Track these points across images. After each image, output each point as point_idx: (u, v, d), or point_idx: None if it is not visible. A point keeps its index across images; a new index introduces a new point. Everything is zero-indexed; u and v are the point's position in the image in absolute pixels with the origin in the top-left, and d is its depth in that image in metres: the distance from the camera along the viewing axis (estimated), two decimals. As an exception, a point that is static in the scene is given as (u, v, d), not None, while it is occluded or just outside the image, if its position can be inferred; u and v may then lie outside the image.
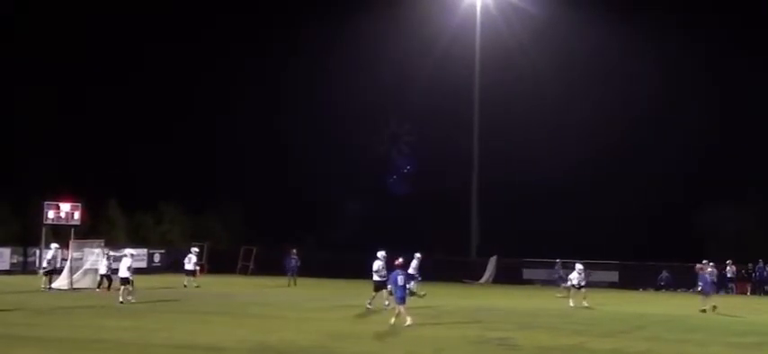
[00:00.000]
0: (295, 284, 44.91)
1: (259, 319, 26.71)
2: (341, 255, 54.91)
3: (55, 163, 56.11)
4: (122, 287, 31.38)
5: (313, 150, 68.74)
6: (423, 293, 36.98)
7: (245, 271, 56.45)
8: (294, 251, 47.26)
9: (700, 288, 34.35)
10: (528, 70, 63.84)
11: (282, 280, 45.81)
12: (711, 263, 39.22)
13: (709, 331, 26.59)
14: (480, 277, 54.92)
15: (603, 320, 29.55)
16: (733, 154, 62.31)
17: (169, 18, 68.65)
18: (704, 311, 32.67)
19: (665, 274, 52.13)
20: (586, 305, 35.09)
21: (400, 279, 24.72)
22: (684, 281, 50.48)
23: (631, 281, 50.83)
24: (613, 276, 52.92)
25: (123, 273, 31.91)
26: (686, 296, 45.46)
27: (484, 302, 36.90)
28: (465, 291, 45.25)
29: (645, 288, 50.45)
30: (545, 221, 61.36)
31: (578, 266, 36.66)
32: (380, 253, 30.67)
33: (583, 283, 36.26)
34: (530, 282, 53.34)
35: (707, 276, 35.01)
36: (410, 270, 39.15)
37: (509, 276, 53.98)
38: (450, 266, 53.50)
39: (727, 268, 50.33)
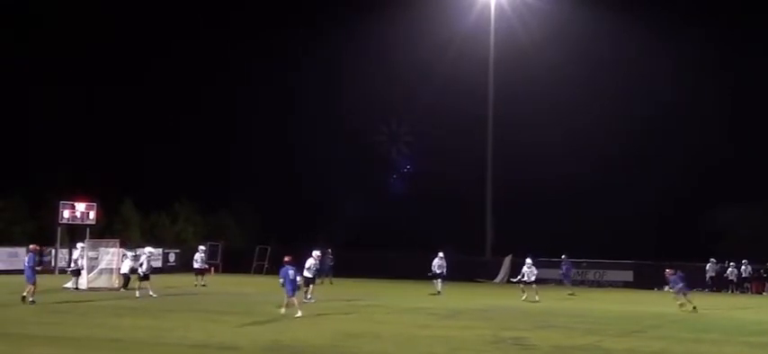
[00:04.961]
0: (331, 283, 45.18)
1: (273, 318, 26.72)
2: (353, 254, 54.91)
3: (70, 163, 56.32)
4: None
5: (328, 150, 68.82)
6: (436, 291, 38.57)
7: (260, 270, 56.47)
8: (329, 250, 47.16)
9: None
10: (542, 69, 63.77)
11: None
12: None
13: (724, 330, 26.45)
14: (495, 276, 54.85)
15: (618, 319, 29.43)
16: (749, 153, 62.03)
17: (184, 18, 69.05)
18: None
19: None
20: (524, 298, 36.45)
21: (291, 274, 27.59)
22: (700, 281, 50.24)
23: (646, 281, 50.63)
24: (628, 275, 52.92)
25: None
26: (700, 296, 45.25)
27: (498, 301, 36.84)
28: (479, 291, 45.15)
29: (660, 288, 50.17)
30: (560, 220, 61.22)
31: (528, 260, 37.42)
32: (315, 253, 33.49)
33: (532, 278, 36.74)
34: (544, 282, 53.13)
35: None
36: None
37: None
38: (464, 265, 53.29)
39: (743, 267, 50.14)
